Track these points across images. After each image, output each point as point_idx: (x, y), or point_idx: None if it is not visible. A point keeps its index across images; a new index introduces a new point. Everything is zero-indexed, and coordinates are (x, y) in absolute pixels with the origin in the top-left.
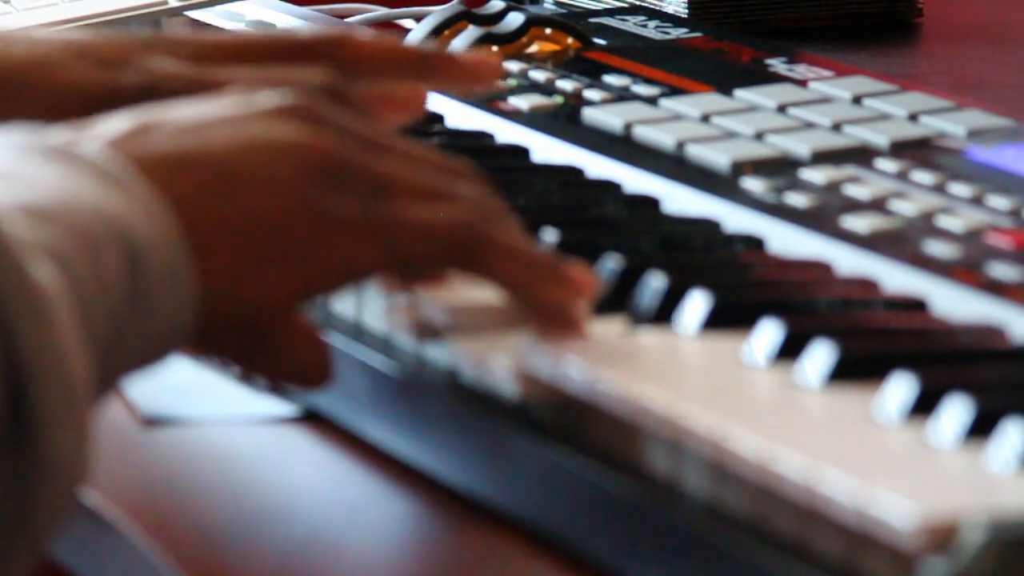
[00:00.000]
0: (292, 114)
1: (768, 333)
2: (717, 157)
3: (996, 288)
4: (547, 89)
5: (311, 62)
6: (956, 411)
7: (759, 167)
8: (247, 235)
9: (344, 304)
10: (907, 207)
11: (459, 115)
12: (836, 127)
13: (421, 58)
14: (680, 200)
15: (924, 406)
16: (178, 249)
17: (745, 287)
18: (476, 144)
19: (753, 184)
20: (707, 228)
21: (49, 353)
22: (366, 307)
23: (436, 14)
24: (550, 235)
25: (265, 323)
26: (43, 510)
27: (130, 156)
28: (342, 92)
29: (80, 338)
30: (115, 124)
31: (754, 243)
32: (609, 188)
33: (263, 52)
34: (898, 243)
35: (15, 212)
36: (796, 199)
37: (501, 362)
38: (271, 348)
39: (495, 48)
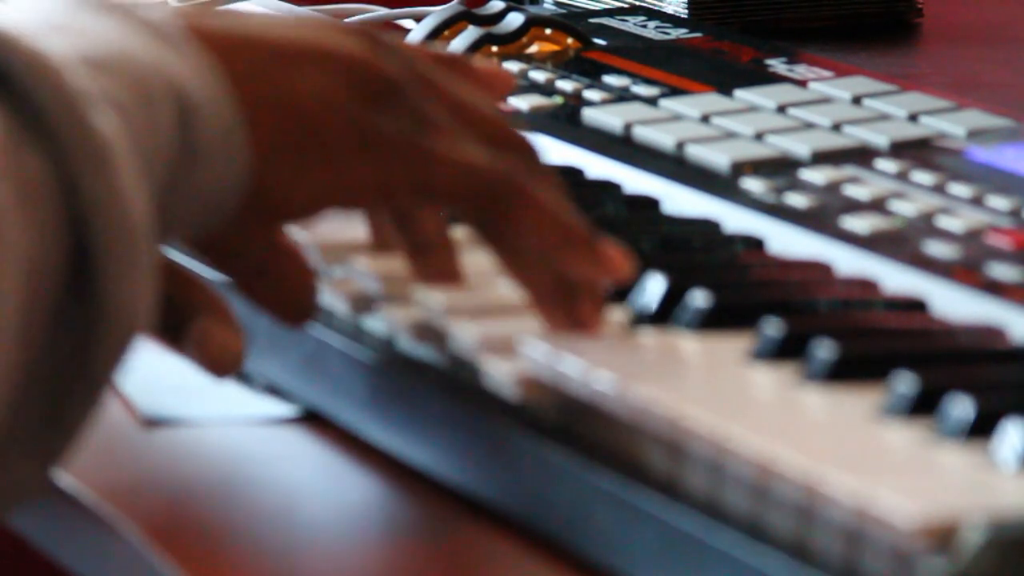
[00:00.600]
0: (359, 33)
1: (768, 333)
2: (717, 157)
3: (996, 288)
4: (547, 89)
5: None
6: (956, 411)
7: (759, 167)
8: (288, 124)
9: (343, 305)
10: (907, 207)
11: None
12: (836, 127)
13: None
14: (680, 200)
15: (924, 406)
16: (228, 112)
17: (745, 287)
18: None
19: (753, 184)
20: (707, 228)
21: (111, 201)
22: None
23: (436, 14)
24: None
25: (293, 219)
26: (104, 354)
27: (189, 25)
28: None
29: (140, 186)
30: (184, 3)
31: (754, 243)
32: (609, 188)
33: None
34: (898, 243)
35: (76, 61)
36: (796, 199)
37: (500, 365)
38: (269, 276)
39: (495, 48)
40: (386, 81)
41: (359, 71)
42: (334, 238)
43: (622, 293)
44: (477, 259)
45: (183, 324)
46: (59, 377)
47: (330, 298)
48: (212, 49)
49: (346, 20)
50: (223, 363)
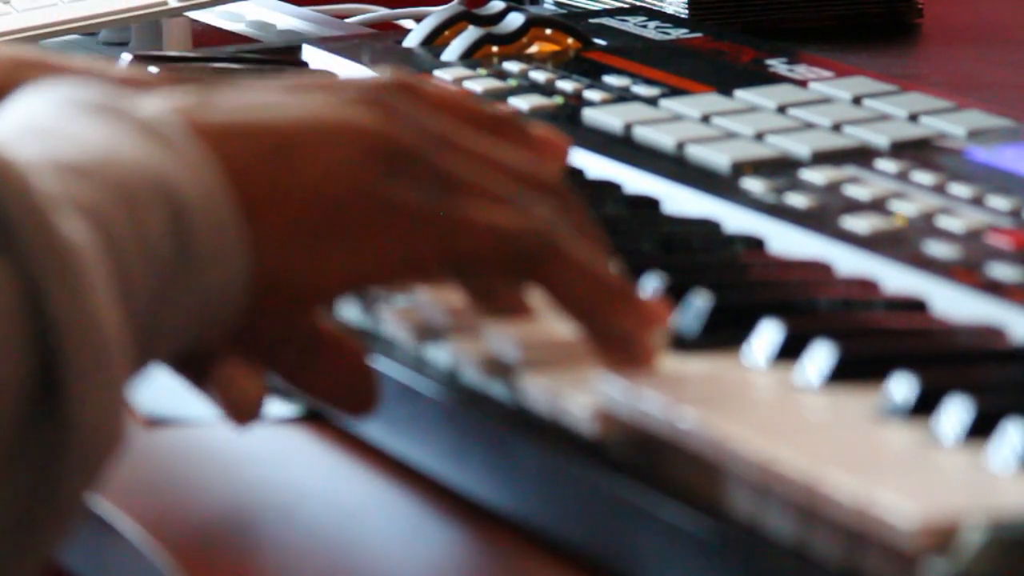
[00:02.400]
0: (367, 102)
1: (768, 333)
2: (717, 157)
3: (996, 288)
4: (547, 90)
5: None
6: (956, 411)
7: (759, 167)
8: (301, 209)
9: (346, 305)
10: (907, 207)
11: None
12: (836, 127)
13: (493, 119)
14: (680, 200)
15: (924, 406)
16: (226, 209)
17: (745, 288)
18: None
19: (753, 184)
20: (707, 228)
21: (79, 310)
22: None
23: (436, 14)
24: None
25: (320, 304)
26: (72, 477)
27: (187, 119)
28: (423, 91)
29: (115, 296)
30: (181, 92)
31: (754, 243)
32: (609, 188)
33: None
34: (898, 243)
35: (47, 167)
36: (796, 199)
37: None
38: (319, 366)
39: (495, 48)
40: (402, 150)
41: (372, 143)
42: None
43: None
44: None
45: (207, 366)
46: (25, 502)
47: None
48: (211, 144)
49: (346, 20)
50: (244, 410)
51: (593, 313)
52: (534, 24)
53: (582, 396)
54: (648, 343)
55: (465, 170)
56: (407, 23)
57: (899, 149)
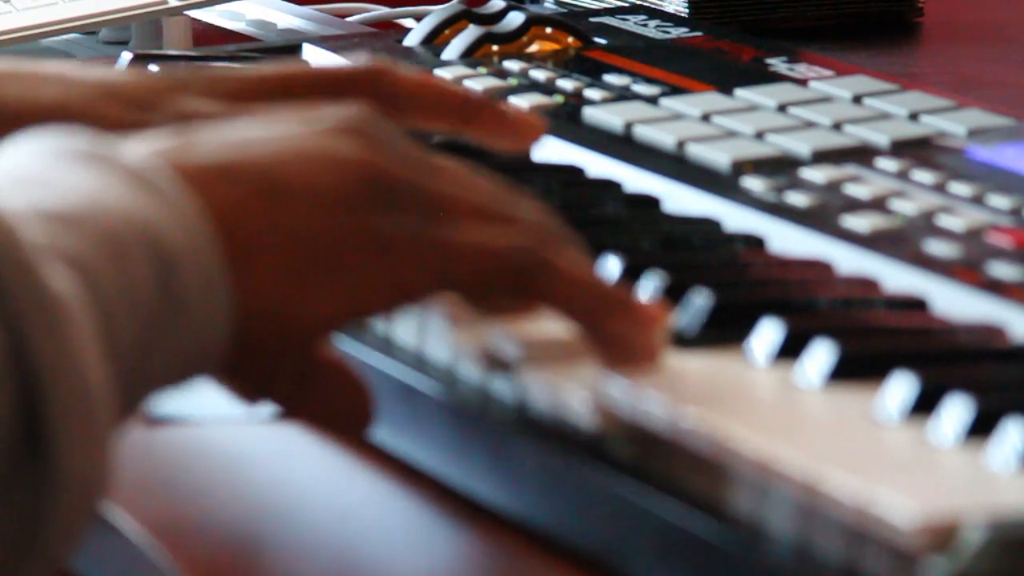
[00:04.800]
0: (346, 131)
1: (768, 332)
2: (717, 156)
3: (996, 288)
4: (547, 89)
5: (352, 96)
6: (956, 411)
7: (759, 166)
8: (292, 250)
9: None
10: (907, 206)
11: None
12: (836, 126)
13: (466, 103)
14: (680, 199)
15: (924, 406)
16: (213, 255)
17: (745, 286)
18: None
19: (753, 183)
20: (707, 228)
21: (64, 363)
22: None
23: (436, 13)
24: None
25: (311, 341)
26: (58, 526)
27: (172, 164)
28: (387, 121)
29: (100, 348)
30: (162, 136)
31: (754, 242)
32: (609, 188)
33: (301, 86)
34: (898, 243)
35: (34, 217)
36: (796, 198)
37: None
38: (314, 393)
39: (495, 47)
40: (385, 177)
41: (357, 174)
42: None
43: None
44: None
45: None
46: (9, 552)
47: None
48: (197, 188)
49: (346, 20)
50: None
51: (592, 319)
52: (534, 23)
53: (582, 395)
54: (650, 343)
55: (448, 190)
56: (407, 22)
57: (899, 148)
